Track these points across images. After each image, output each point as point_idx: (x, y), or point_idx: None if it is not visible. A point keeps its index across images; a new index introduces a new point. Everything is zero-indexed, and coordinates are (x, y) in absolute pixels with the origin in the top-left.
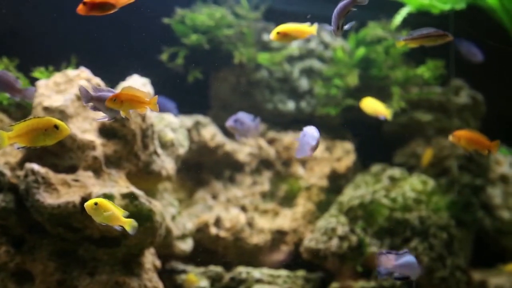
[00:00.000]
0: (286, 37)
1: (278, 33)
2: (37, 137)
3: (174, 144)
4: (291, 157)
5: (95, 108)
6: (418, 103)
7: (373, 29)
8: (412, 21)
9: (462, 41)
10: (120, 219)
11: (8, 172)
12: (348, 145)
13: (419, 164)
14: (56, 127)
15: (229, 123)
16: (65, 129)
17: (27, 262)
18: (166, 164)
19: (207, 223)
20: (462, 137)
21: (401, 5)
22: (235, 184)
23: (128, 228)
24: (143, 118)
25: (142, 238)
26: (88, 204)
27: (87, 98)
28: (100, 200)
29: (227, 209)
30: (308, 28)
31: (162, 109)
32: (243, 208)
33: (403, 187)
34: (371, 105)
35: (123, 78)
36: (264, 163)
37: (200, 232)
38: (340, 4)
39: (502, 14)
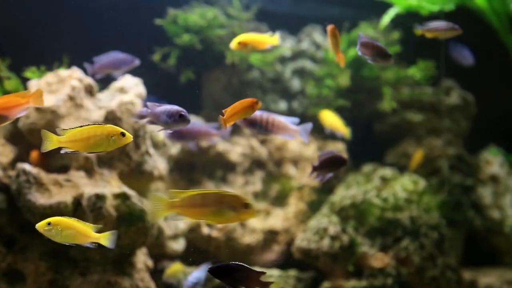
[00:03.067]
0: (246, 47)
1: (239, 43)
2: (99, 143)
3: (166, 144)
4: (283, 157)
5: (151, 122)
6: (409, 104)
7: (365, 30)
8: (402, 22)
9: (456, 45)
10: (90, 235)
11: None
12: (340, 145)
13: (410, 164)
14: (122, 134)
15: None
16: (129, 137)
17: (18, 262)
18: (158, 164)
19: (199, 223)
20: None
21: (392, 6)
22: (227, 184)
23: (105, 243)
24: None
25: (134, 238)
26: (39, 225)
27: (141, 115)
28: (54, 219)
29: None
30: (269, 39)
31: None
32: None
33: (395, 187)
34: (331, 120)
35: (115, 78)
36: (256, 163)
37: (192, 232)
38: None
39: (490, 15)
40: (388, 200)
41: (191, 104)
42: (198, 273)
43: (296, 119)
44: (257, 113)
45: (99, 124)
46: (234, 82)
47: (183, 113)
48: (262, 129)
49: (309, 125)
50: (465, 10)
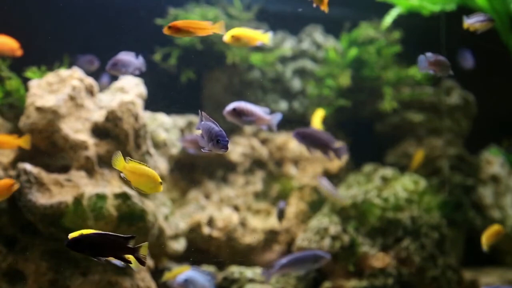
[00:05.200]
0: (239, 41)
1: (232, 36)
2: (144, 184)
3: (167, 144)
4: (284, 157)
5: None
6: (410, 104)
7: (365, 30)
8: (403, 22)
9: (465, 52)
10: None
11: (0, 172)
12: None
13: (410, 164)
14: (161, 183)
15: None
16: (160, 189)
17: (19, 262)
18: (159, 164)
19: (200, 223)
20: None
21: (393, 6)
22: (228, 184)
23: (134, 265)
24: (136, 118)
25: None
26: (72, 236)
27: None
28: (86, 232)
29: (220, 209)
30: (260, 35)
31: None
32: (236, 208)
33: (395, 187)
34: (315, 124)
35: (116, 78)
36: (257, 163)
37: (193, 232)
38: None
39: (491, 15)
40: (388, 200)
41: (192, 104)
42: (191, 272)
43: (267, 109)
44: (242, 104)
45: (153, 169)
46: (234, 82)
47: (220, 139)
48: (247, 119)
49: (278, 115)
50: (466, 10)
